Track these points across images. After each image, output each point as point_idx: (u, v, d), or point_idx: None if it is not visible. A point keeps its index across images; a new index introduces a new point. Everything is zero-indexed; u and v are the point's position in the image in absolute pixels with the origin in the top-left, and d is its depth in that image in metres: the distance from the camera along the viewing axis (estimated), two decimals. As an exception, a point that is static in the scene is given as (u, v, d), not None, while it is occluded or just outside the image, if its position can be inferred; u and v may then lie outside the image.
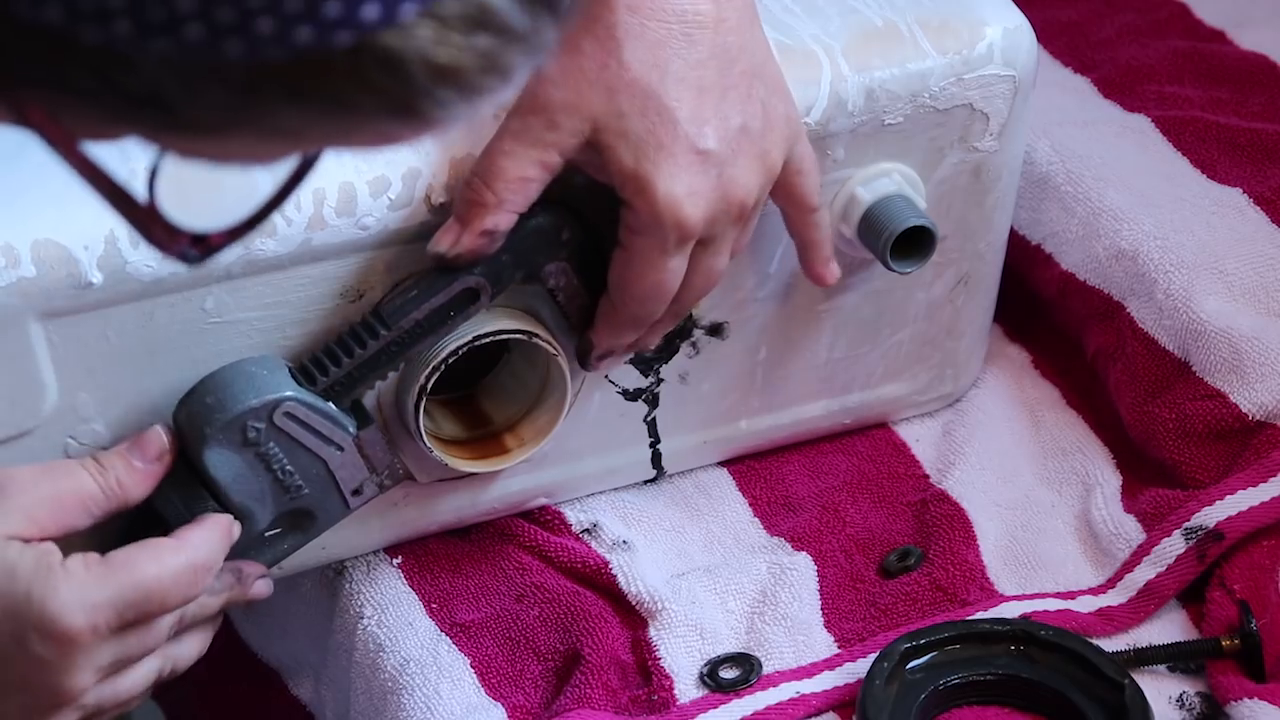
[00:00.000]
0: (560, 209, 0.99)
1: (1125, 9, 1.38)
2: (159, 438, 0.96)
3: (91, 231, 0.94)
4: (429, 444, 1.02)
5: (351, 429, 0.98)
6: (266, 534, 0.99)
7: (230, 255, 0.93)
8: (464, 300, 0.98)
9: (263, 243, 0.96)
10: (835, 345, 1.14)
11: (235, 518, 0.96)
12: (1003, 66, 1.07)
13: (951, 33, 1.07)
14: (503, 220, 0.96)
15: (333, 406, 0.97)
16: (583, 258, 1.01)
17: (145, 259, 0.94)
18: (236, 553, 0.97)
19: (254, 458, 0.96)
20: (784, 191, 1.01)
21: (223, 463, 0.95)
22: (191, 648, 0.98)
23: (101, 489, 0.94)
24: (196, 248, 0.64)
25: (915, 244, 1.06)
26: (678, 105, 0.95)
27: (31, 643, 0.89)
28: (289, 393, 0.95)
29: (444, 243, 0.96)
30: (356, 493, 1.00)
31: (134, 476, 0.95)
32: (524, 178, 0.95)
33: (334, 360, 0.97)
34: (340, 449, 0.98)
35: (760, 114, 0.97)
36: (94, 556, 0.91)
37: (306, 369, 0.97)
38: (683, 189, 0.95)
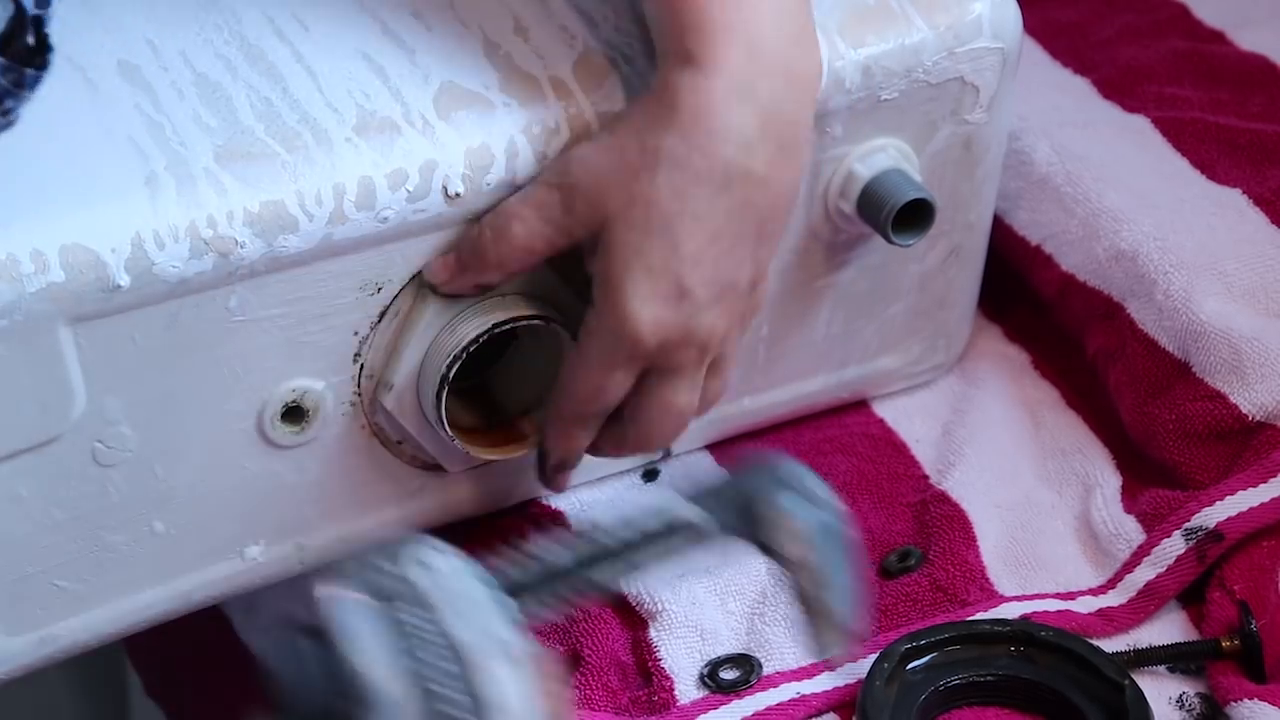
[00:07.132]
0: None
1: (1125, 9, 1.39)
2: None
3: (118, 234, 0.93)
4: (451, 434, 1.02)
5: None
6: None
7: (254, 253, 0.95)
8: None
9: (285, 239, 0.96)
10: (833, 320, 1.16)
11: None
12: (992, 39, 1.09)
13: (941, 7, 1.08)
14: (495, 279, 1.00)
15: None
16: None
17: (171, 260, 0.94)
18: None
19: None
20: None
21: None
22: None
23: None
24: None
25: (914, 216, 1.08)
26: (685, 240, 0.97)
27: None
28: None
29: (439, 275, 1.00)
30: None
31: None
32: (530, 249, 0.99)
33: None
34: None
35: (753, 272, 1.00)
36: None
37: None
38: (649, 314, 0.97)
